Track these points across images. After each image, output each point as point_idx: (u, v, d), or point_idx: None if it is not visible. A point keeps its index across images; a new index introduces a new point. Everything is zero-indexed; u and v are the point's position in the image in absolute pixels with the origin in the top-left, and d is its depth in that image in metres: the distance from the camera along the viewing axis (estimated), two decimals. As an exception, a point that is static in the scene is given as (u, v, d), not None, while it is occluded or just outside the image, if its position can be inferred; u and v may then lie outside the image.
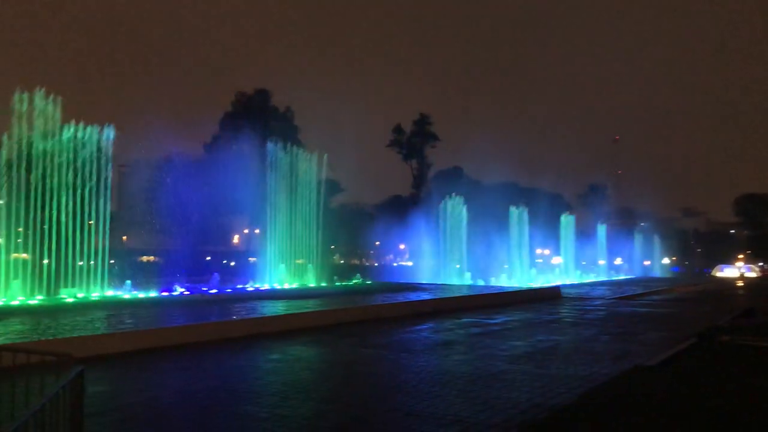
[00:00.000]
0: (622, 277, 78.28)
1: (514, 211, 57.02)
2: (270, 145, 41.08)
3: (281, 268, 40.00)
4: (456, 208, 52.20)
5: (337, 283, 43.14)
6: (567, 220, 69.79)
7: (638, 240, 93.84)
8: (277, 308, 24.17)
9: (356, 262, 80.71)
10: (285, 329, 18.72)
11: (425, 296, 31.18)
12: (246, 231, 70.20)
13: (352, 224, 64.47)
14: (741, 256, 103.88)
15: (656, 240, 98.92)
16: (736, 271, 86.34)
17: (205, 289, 33.27)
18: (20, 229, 27.00)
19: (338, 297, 30.44)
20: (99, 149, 29.67)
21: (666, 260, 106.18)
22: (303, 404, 9.85)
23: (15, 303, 24.32)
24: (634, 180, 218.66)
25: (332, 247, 55.28)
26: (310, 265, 41.95)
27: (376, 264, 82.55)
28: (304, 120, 44.04)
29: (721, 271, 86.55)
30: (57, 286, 27.58)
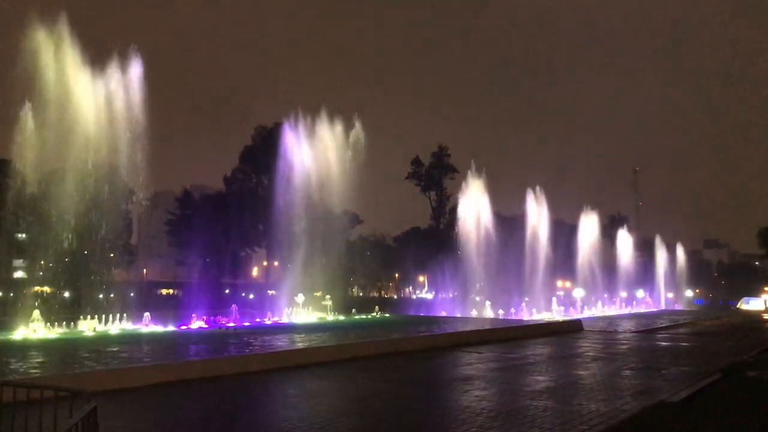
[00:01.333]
0: (644, 309, 77.16)
1: (534, 242, 56.65)
2: (288, 179, 41.34)
3: (300, 301, 39.90)
4: (475, 242, 51.93)
5: (355, 316, 42.94)
6: (588, 253, 69.13)
7: (661, 272, 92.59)
8: (295, 342, 24.06)
9: (375, 294, 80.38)
10: (303, 363, 18.58)
11: (445, 329, 30.90)
12: (265, 264, 70.37)
13: (370, 256, 64.45)
14: (767, 289, 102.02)
15: (679, 272, 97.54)
16: (762, 303, 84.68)
17: (223, 322, 33.23)
18: (42, 263, 27.26)
19: (357, 330, 30.25)
20: (120, 183, 30.04)
21: (689, 293, 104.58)
22: (319, 441, 9.70)
23: (35, 336, 24.44)
24: (656, 211, 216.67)
25: (351, 279, 55.22)
26: (328, 298, 41.82)
27: (395, 296, 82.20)
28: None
29: (747, 303, 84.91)
30: (77, 319, 27.70)
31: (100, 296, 29.22)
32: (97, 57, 29.48)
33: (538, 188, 58.61)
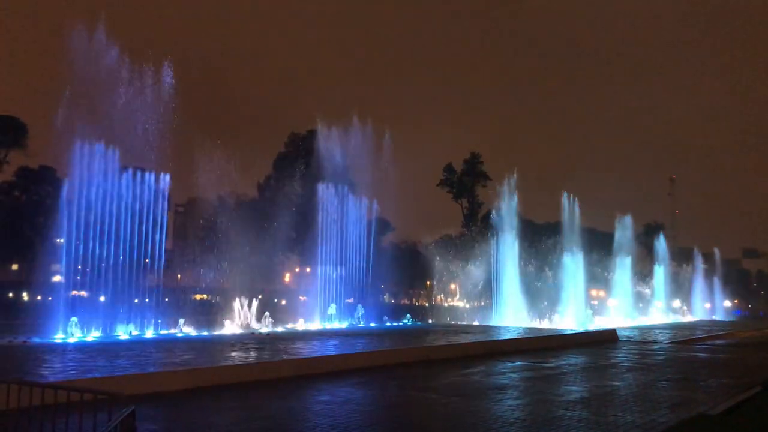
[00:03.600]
0: (681, 320, 75.81)
1: (568, 251, 55.98)
2: (321, 186, 41.62)
3: (331, 308, 40.05)
4: (509, 249, 51.56)
5: (387, 323, 42.92)
6: (623, 261, 68.20)
7: (698, 282, 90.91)
8: (327, 348, 24.12)
9: (406, 301, 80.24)
10: (334, 370, 18.64)
11: (477, 338, 30.71)
12: (297, 270, 70.72)
13: (402, 264, 64.35)
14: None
15: (717, 282, 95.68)
16: None
17: (256, 327, 33.49)
18: (79, 267, 27.77)
19: (388, 337, 30.24)
20: (156, 190, 30.49)
21: (727, 303, 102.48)
22: (351, 448, 9.69)
23: (72, 340, 24.90)
24: (693, 220, 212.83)
25: (382, 286, 55.22)
26: (360, 305, 41.88)
27: (426, 304, 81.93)
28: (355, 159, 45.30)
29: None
30: (113, 324, 28.14)
31: (136, 301, 29.64)
32: (133, 61, 29.98)
33: (572, 197, 57.83)
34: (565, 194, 56.67)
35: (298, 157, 55.11)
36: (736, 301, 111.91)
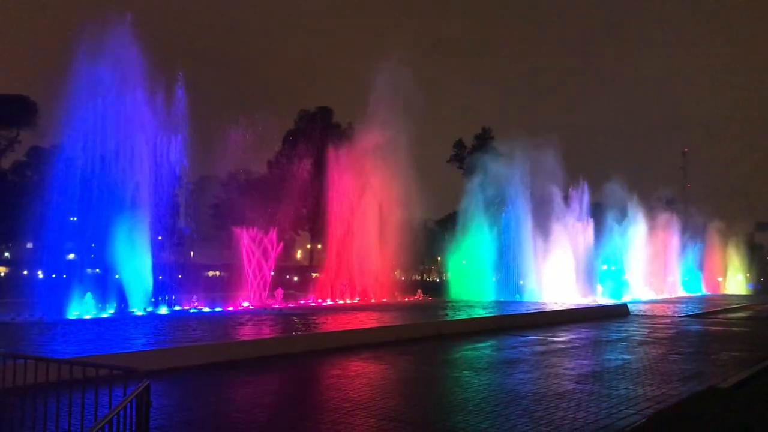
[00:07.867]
0: (693, 294, 75.65)
1: (579, 226, 55.80)
2: (331, 163, 41.63)
3: (343, 283, 40.24)
4: (520, 223, 51.47)
5: (398, 299, 43.09)
6: (634, 236, 67.91)
7: (710, 256, 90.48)
8: (339, 324, 24.28)
9: (417, 277, 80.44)
10: (346, 345, 18.76)
11: (488, 312, 30.81)
12: (309, 246, 70.97)
13: (413, 239, 64.39)
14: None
15: (729, 256, 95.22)
16: None
17: (269, 303, 33.72)
18: (93, 245, 28.01)
19: (399, 312, 30.38)
20: (168, 167, 30.60)
21: (740, 277, 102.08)
22: (363, 421, 9.79)
23: (88, 317, 25.18)
24: (707, 193, 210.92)
25: (393, 262, 55.29)
26: (371, 281, 42.03)
27: (437, 279, 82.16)
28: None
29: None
30: (127, 300, 28.42)
31: (150, 278, 29.85)
32: (144, 38, 29.81)
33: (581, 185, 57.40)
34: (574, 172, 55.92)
35: (308, 133, 55.09)
36: (748, 274, 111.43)
